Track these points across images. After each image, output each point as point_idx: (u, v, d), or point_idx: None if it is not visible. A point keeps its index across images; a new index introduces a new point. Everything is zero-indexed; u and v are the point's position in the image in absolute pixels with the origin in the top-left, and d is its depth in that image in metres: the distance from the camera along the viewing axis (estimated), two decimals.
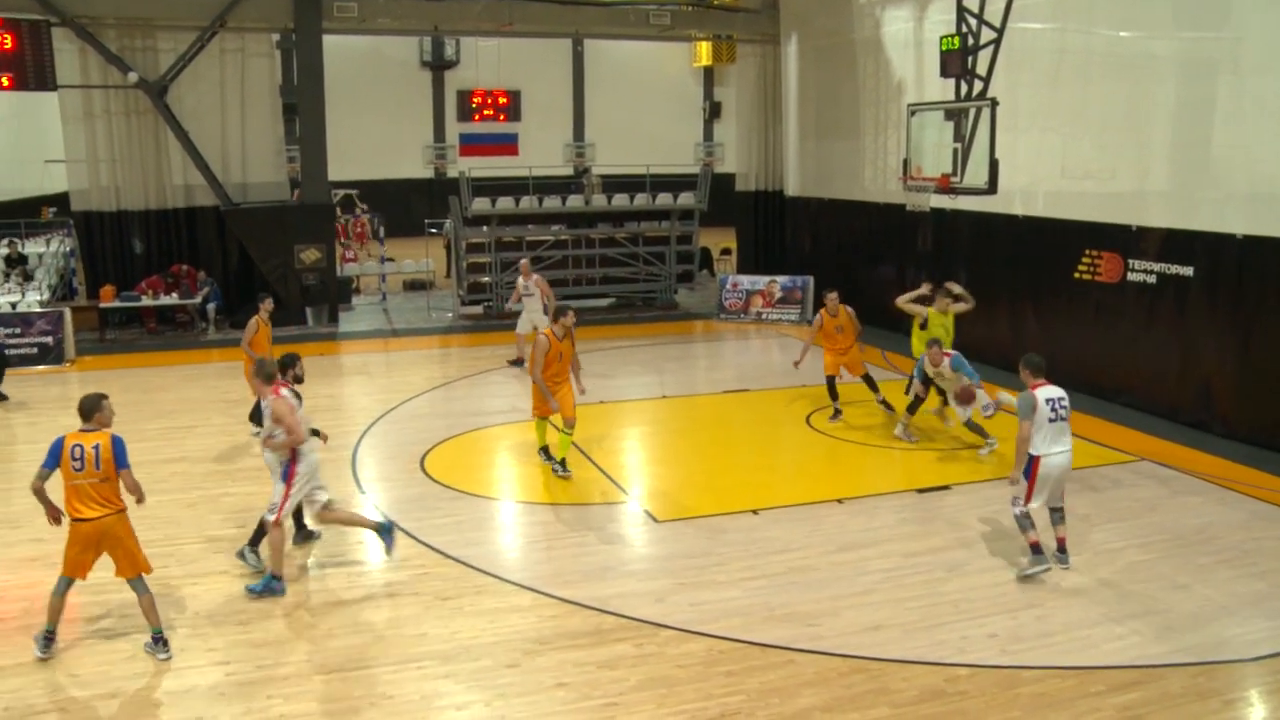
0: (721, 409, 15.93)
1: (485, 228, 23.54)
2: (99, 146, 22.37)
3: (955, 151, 15.78)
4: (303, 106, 23.15)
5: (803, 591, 9.07)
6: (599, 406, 15.32)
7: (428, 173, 42.86)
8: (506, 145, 42.07)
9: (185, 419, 15.27)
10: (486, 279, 23.85)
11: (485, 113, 43.09)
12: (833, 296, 14.77)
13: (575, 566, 9.62)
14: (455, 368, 18.80)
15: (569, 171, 42.58)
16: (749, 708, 7.24)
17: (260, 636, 8.32)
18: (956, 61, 16.12)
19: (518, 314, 18.32)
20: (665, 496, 11.70)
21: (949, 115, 16.35)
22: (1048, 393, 9.20)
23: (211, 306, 22.33)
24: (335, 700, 7.38)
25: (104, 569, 8.11)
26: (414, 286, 27.88)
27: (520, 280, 18.32)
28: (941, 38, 16.54)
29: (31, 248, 24.59)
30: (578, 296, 24.03)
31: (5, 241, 24.37)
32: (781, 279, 23.54)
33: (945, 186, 15.92)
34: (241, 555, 9.68)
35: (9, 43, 20.50)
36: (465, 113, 43.13)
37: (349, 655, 8.03)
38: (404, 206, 35.92)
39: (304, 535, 10.34)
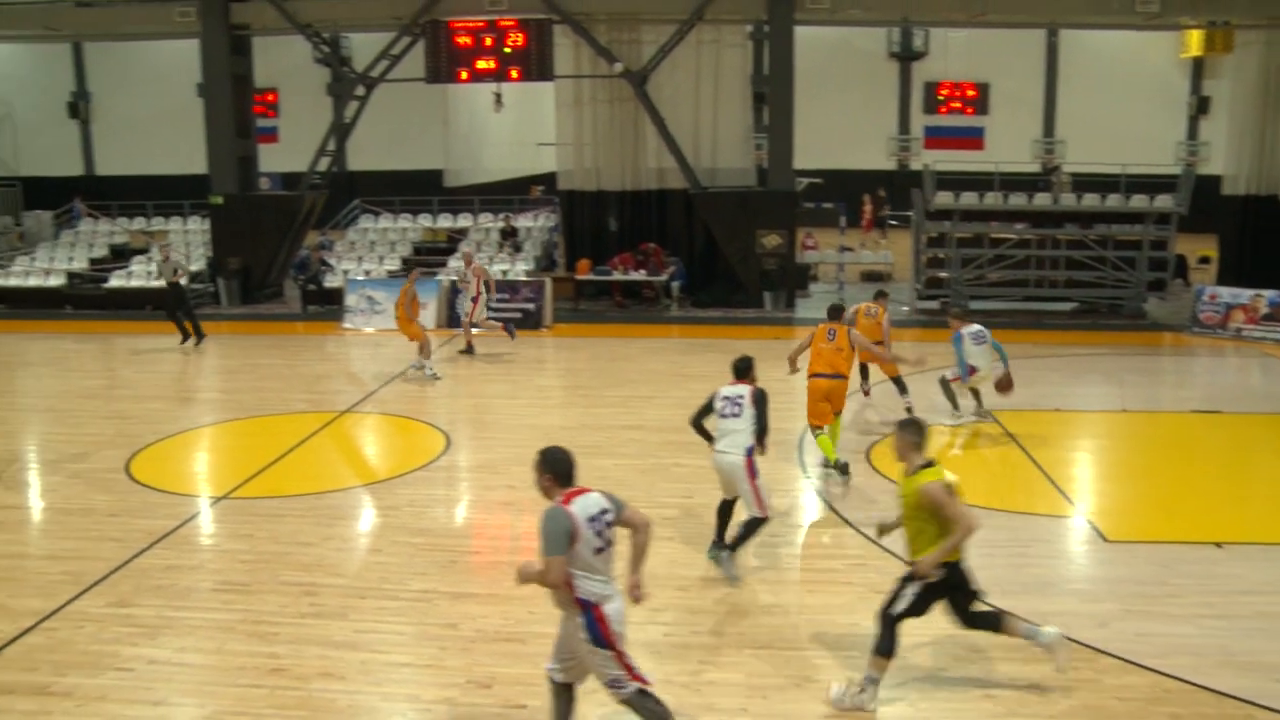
0: (1186, 430, 14.65)
1: (946, 223, 23.08)
2: (584, 131, 24.37)
3: None
4: (772, 95, 23.81)
5: (1271, 641, 8.21)
6: (1053, 414, 14.67)
7: (890, 164, 42.59)
8: (972, 139, 40.90)
9: (645, 389, 16.30)
10: (944, 274, 23.40)
11: (952, 105, 42.09)
12: None
13: (1014, 577, 9.29)
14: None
15: (1036, 168, 40.63)
16: None
17: (698, 604, 8.77)
18: None
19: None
20: (1116, 515, 10.99)
21: None
22: None
23: (676, 284, 23.60)
24: (761, 676, 7.64)
25: None
26: (871, 277, 27.88)
27: (463, 269, 19.12)
28: None
29: (521, 222, 27.14)
30: (1038, 299, 23.00)
31: (501, 216, 27.10)
32: (1269, 293, 21.10)
33: None
34: (717, 559, 9.40)
35: (520, 40, 22.85)
36: (931, 105, 42.37)
37: (779, 634, 8.28)
38: (865, 197, 35.99)
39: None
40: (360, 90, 24.93)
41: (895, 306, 23.82)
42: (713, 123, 24.14)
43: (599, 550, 6.23)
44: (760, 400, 9.22)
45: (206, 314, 23.72)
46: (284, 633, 8.28)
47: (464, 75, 23.62)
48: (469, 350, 19.16)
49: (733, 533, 9.37)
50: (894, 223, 29.88)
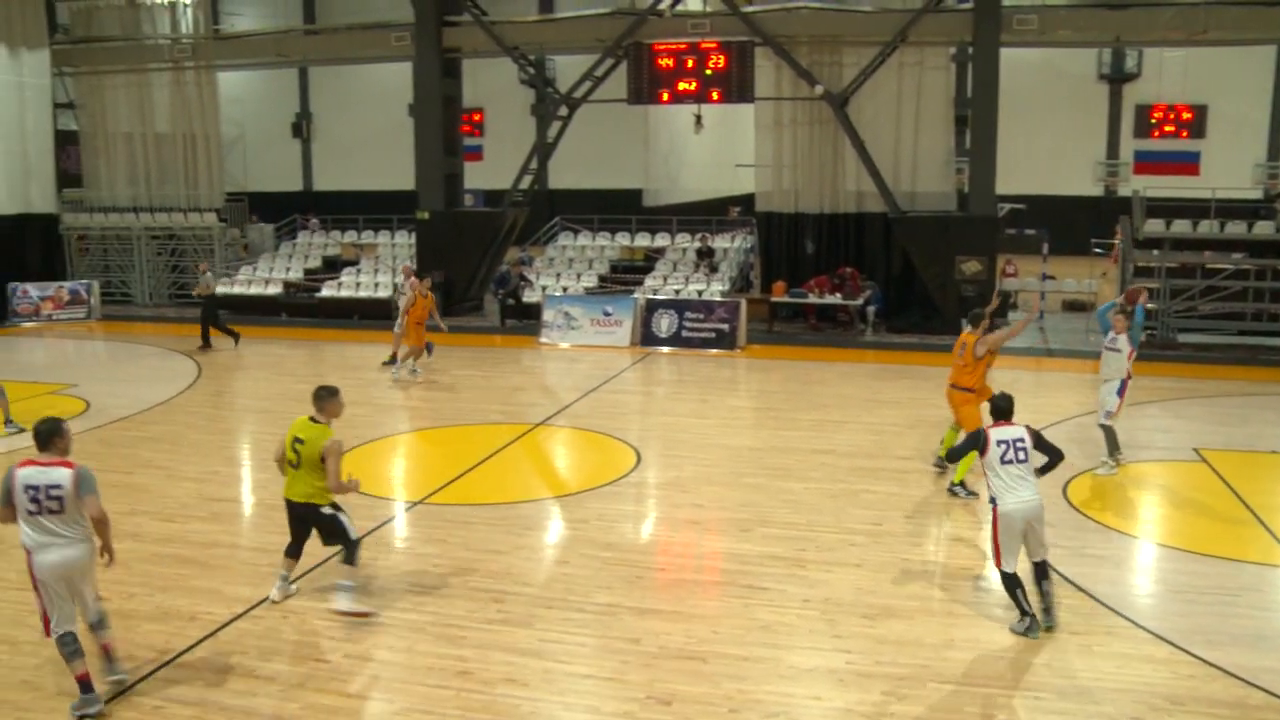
0: None
1: (1156, 251, 21.99)
2: (783, 153, 24.34)
3: None
4: (975, 119, 23.25)
5: None
6: (1269, 456, 13.77)
7: (1097, 190, 40.97)
8: (1186, 164, 38.91)
9: (837, 414, 16.09)
10: (1152, 305, 22.27)
11: (1165, 128, 40.14)
12: None
13: (1222, 626, 8.74)
14: None
15: (1258, 195, 38.30)
16: None
17: (884, 633, 8.57)
18: None
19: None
20: None
21: None
22: None
23: (872, 309, 23.25)
24: (947, 711, 7.40)
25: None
26: (1073, 307, 26.83)
27: (400, 280, 20.67)
28: None
29: (718, 243, 27.24)
30: (1255, 333, 21.62)
31: (698, 236, 27.27)
32: None
33: None
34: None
35: (721, 62, 23.01)
36: (1143, 128, 40.53)
37: (968, 669, 8.01)
38: (1069, 223, 34.66)
39: None
40: (563, 111, 25.56)
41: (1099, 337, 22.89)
42: (913, 146, 23.73)
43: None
44: (1039, 437, 8.89)
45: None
46: (471, 637, 8.49)
47: (665, 96, 23.92)
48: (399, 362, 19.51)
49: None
50: (1098, 251, 28.69)
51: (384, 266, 27.41)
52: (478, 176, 31.94)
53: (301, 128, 44.85)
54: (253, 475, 13.49)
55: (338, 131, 43.79)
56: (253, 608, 9.03)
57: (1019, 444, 8.68)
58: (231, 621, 8.78)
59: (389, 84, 37.87)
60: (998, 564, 8.68)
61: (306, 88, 44.45)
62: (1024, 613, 8.54)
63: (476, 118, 39.98)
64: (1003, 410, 9.01)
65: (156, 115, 29.29)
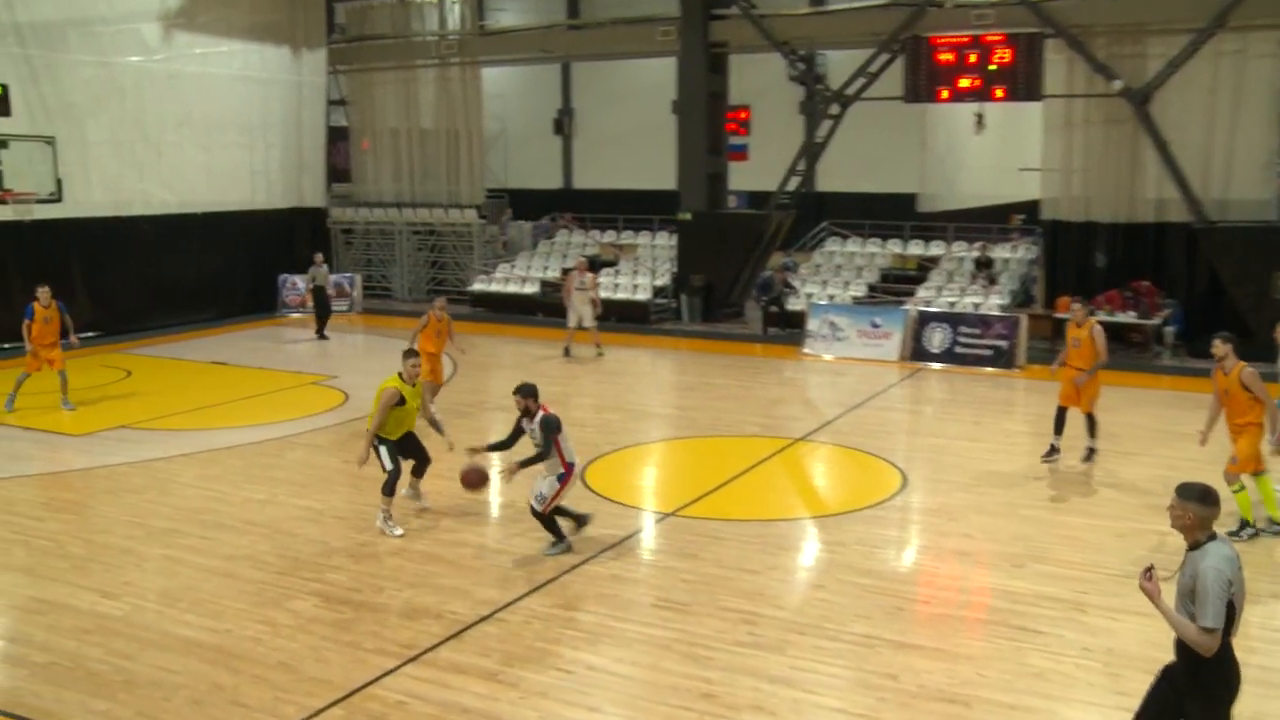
0: None
1: None
2: (1074, 156, 23.30)
3: None
4: None
5: None
6: None
7: None
8: None
9: (1125, 444, 15.26)
10: None
11: None
12: None
13: None
14: None
15: None
16: None
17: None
18: None
19: None
20: None
21: None
22: None
23: (1170, 330, 21.96)
24: None
25: None
26: None
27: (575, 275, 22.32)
28: None
29: (997, 253, 26.39)
30: None
31: (976, 245, 26.50)
32: None
33: None
34: None
35: (1007, 57, 22.28)
36: None
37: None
38: None
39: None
40: (834, 109, 25.36)
41: None
42: (1227, 147, 22.19)
43: None
44: None
45: (667, 329, 25.15)
46: (719, 658, 8.52)
47: (944, 94, 23.35)
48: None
49: None
50: None
51: (643, 268, 27.94)
52: (742, 177, 32.03)
53: (563, 124, 46.26)
54: (499, 476, 13.97)
55: (599, 128, 44.92)
56: (498, 610, 9.37)
57: None
58: (477, 623, 9.13)
59: (652, 80, 38.51)
60: None
61: (569, 83, 45.80)
62: None
63: (742, 115, 40.11)
64: None
65: (422, 112, 30.98)
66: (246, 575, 10.34)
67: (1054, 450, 14.19)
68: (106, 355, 22.10)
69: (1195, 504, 5.82)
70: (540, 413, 10.59)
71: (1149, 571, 5.87)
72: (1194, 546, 5.87)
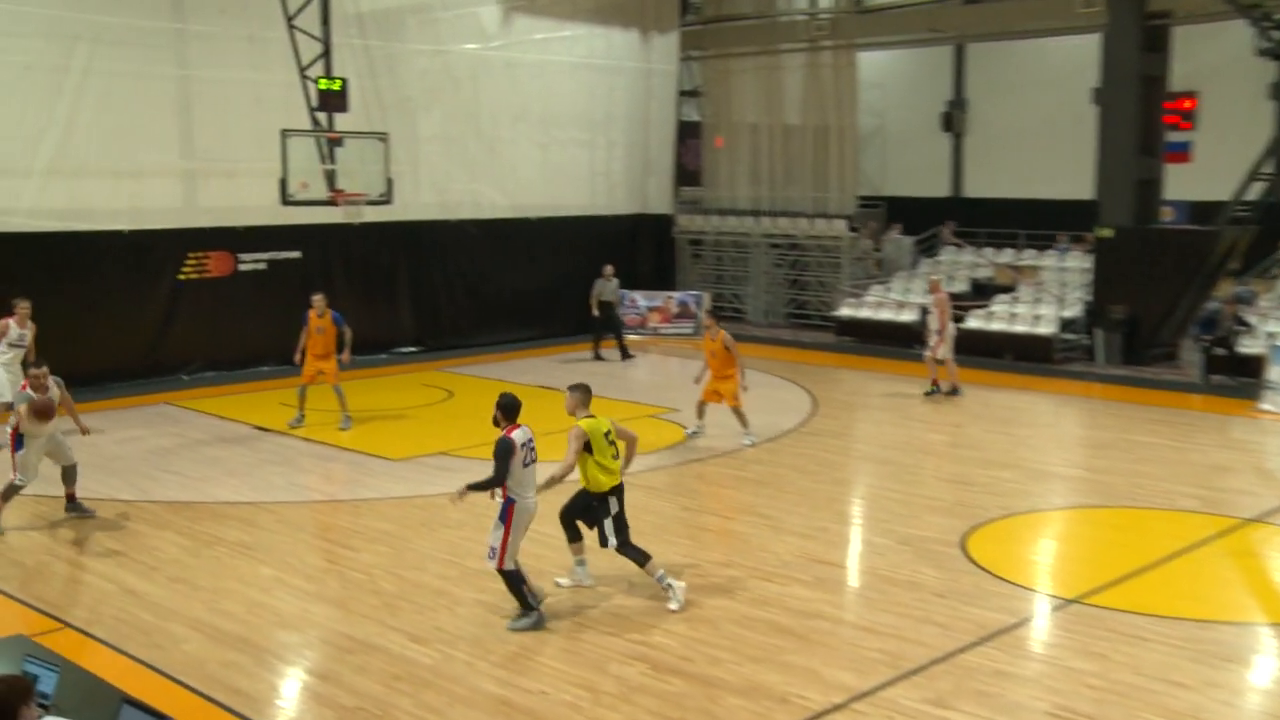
0: None
1: None
2: None
3: None
4: None
5: None
6: None
7: None
8: None
9: None
10: None
11: None
12: None
13: None
14: None
15: None
16: None
17: None
18: None
19: None
20: None
21: None
22: None
23: None
24: None
25: None
26: None
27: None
28: None
29: None
30: None
31: None
32: None
33: None
34: None
35: None
36: None
37: None
38: None
39: None
40: None
41: None
42: None
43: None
44: None
45: (1076, 371, 24.19)
46: None
47: None
48: (953, 390, 21.54)
49: None
50: None
51: (1048, 296, 27.00)
52: (1183, 183, 30.40)
53: (953, 119, 45.51)
54: (865, 538, 13.73)
55: (997, 124, 43.80)
56: (854, 699, 9.13)
57: None
58: (828, 713, 8.93)
59: (1067, 63, 37.19)
60: None
61: (962, 70, 45.04)
62: None
63: (1187, 105, 38.11)
64: None
65: (786, 104, 31.21)
66: (565, 630, 10.64)
67: None
68: (427, 373, 23.47)
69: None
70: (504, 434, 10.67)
71: None
72: None
